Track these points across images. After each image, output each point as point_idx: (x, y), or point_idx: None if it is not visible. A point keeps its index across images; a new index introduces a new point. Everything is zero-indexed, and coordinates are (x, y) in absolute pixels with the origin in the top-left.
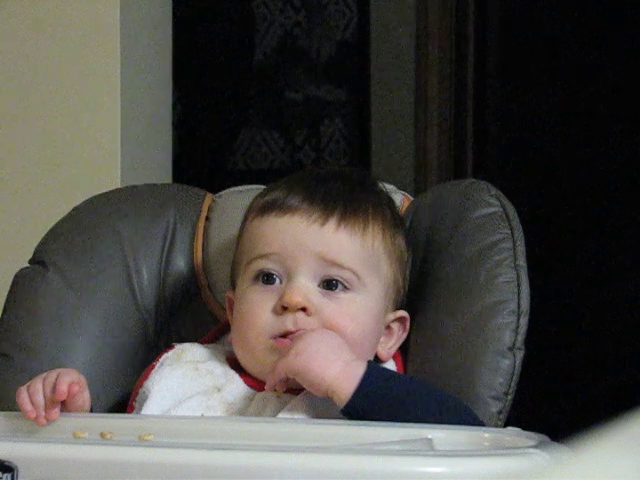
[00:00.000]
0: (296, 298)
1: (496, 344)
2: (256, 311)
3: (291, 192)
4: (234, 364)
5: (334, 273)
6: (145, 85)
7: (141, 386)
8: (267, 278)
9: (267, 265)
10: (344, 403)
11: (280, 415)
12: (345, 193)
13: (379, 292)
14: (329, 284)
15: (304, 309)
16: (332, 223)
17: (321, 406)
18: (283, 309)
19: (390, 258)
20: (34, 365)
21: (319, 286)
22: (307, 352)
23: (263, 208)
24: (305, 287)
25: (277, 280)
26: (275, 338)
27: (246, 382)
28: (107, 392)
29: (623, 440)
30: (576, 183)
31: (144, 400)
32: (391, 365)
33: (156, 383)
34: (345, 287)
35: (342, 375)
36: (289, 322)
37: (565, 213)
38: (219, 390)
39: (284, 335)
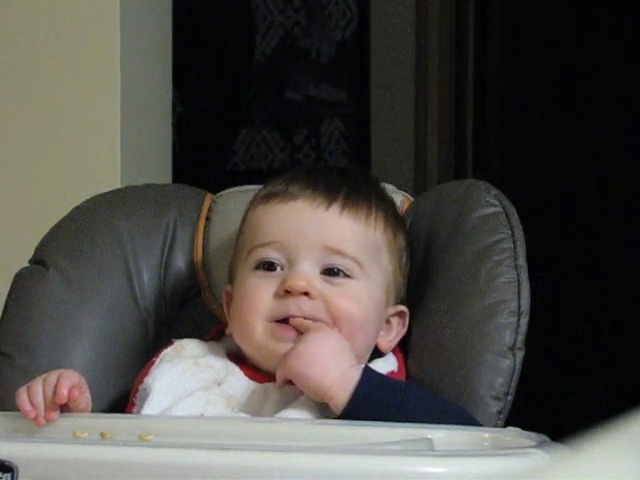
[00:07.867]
0: (300, 282)
1: (496, 344)
2: (257, 294)
3: (293, 181)
4: (234, 358)
5: (336, 261)
6: (145, 85)
7: (141, 382)
8: (268, 266)
9: (268, 253)
10: (339, 411)
11: (282, 413)
12: (347, 182)
13: (380, 281)
14: (331, 272)
15: (307, 293)
16: (336, 208)
17: (323, 403)
18: (286, 293)
19: (390, 252)
20: (34, 365)
21: (321, 273)
22: (307, 356)
23: (265, 197)
24: (308, 272)
25: (278, 268)
26: (276, 322)
27: (246, 374)
28: (107, 392)
29: (623, 440)
30: (577, 183)
31: (145, 397)
32: (392, 361)
33: (157, 380)
34: (347, 275)
35: (338, 382)
36: (293, 306)
37: (565, 213)
38: (219, 384)
39: (286, 319)
